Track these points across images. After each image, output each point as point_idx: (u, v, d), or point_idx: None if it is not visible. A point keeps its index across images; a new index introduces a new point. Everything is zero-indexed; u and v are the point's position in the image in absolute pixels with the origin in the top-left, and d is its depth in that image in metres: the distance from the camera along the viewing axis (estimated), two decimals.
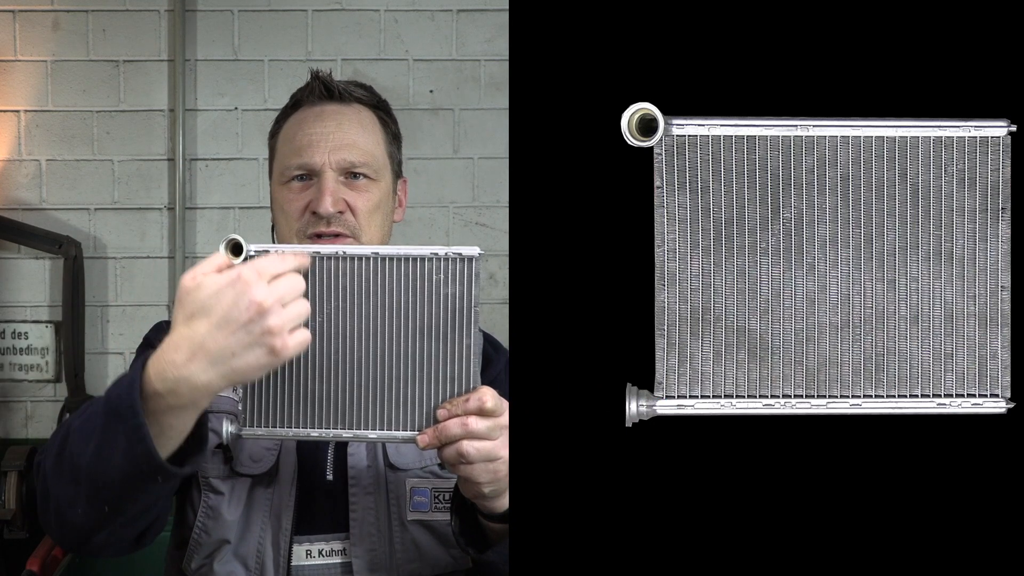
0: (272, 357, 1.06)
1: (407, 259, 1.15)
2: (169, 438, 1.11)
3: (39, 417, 3.06)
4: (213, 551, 1.36)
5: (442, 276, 1.15)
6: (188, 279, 1.08)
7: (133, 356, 1.48)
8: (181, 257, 3.04)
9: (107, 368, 3.06)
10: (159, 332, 1.43)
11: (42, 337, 3.05)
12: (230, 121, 3.05)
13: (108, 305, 3.08)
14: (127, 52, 3.05)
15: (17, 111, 3.04)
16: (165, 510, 1.26)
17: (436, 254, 1.15)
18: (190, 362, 1.05)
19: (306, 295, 1.11)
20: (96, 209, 3.06)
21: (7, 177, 3.03)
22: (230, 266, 1.10)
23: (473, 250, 1.15)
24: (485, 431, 1.15)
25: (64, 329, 2.98)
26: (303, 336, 1.08)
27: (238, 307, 1.04)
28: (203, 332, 1.05)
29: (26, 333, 3.05)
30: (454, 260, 1.15)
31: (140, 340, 1.51)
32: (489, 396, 1.15)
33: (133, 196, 3.06)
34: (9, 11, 3.02)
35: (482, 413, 1.15)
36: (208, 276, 1.07)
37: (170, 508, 1.31)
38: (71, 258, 2.96)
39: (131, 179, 3.06)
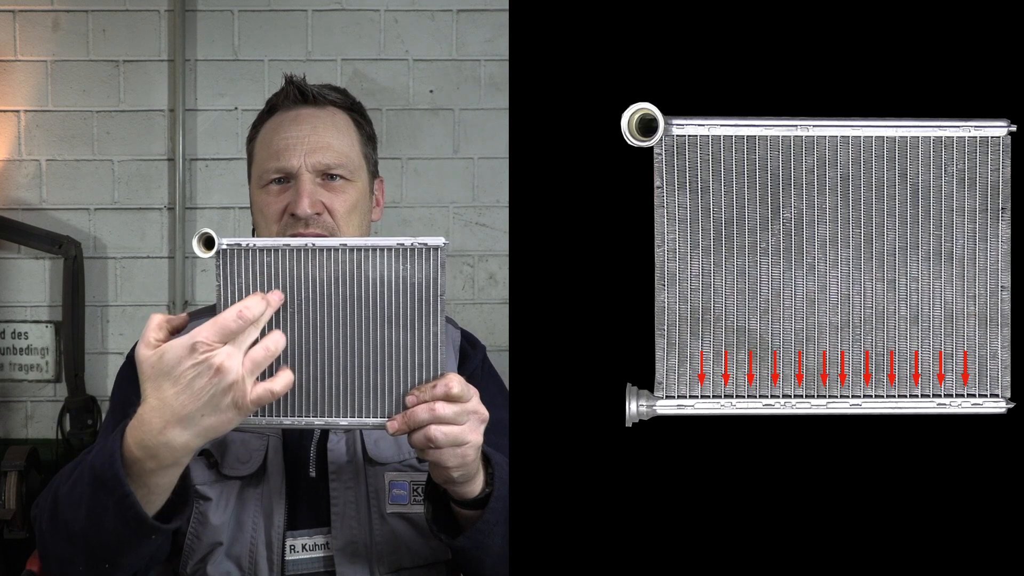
0: (237, 412, 1.11)
1: (374, 249, 1.17)
2: (157, 495, 1.18)
3: (39, 417, 3.06)
4: (206, 555, 1.38)
5: (409, 266, 1.17)
6: (145, 349, 1.13)
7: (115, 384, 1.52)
8: (181, 257, 3.04)
9: (107, 368, 3.06)
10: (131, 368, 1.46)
11: (42, 337, 3.05)
12: (230, 121, 3.06)
13: (108, 305, 3.08)
14: (127, 52, 3.05)
15: (17, 111, 3.04)
16: (162, 552, 1.33)
17: (402, 244, 1.17)
18: (165, 428, 1.11)
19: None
20: (96, 209, 3.06)
21: (7, 177, 3.03)
22: (172, 331, 1.16)
23: (439, 240, 1.18)
24: (452, 416, 1.16)
25: (64, 329, 2.98)
26: (263, 389, 1.13)
27: (199, 372, 1.09)
28: (171, 398, 1.10)
29: (26, 333, 3.05)
30: (420, 250, 1.17)
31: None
32: (456, 382, 1.17)
33: (133, 196, 3.07)
34: (9, 11, 3.02)
35: (449, 399, 1.16)
36: (168, 344, 1.12)
37: (167, 549, 1.36)
38: (71, 258, 2.96)
39: (131, 179, 3.06)
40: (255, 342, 1.13)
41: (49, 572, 1.26)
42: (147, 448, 1.12)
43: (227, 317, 1.11)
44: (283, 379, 1.15)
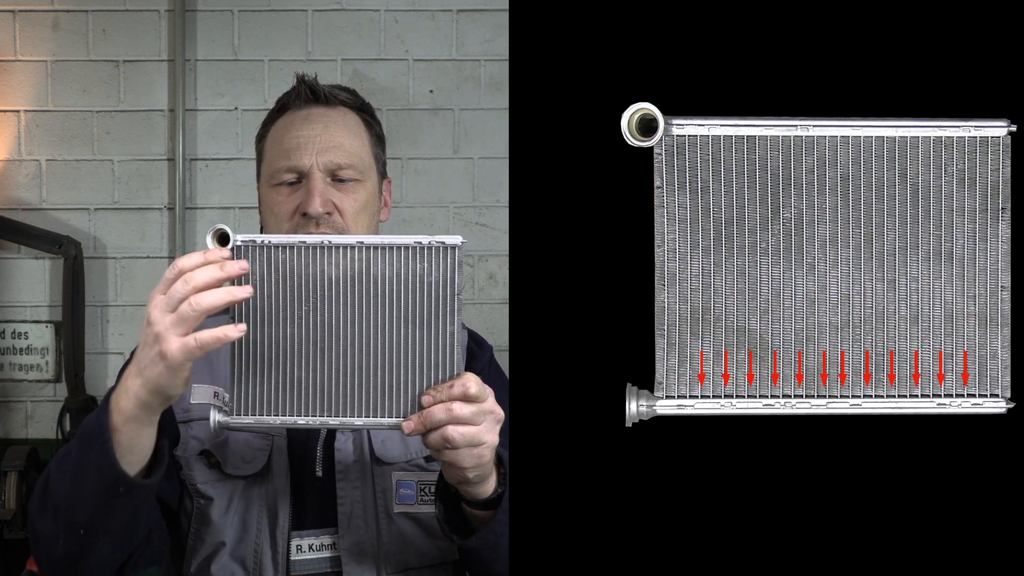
0: (164, 364, 1.12)
1: (391, 248, 1.17)
2: (132, 456, 1.19)
3: (39, 417, 3.06)
4: (209, 555, 1.38)
5: (425, 264, 1.17)
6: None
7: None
8: None
9: (107, 368, 3.06)
10: None
11: (42, 337, 3.05)
12: (230, 121, 3.06)
13: (108, 305, 3.08)
14: (127, 52, 3.05)
15: (17, 111, 3.04)
16: (156, 547, 1.33)
17: (419, 243, 1.17)
18: (129, 375, 1.16)
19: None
20: (96, 209, 3.06)
21: (7, 177, 3.03)
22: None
23: (456, 239, 1.17)
24: (469, 416, 1.16)
25: (64, 329, 2.98)
26: (188, 338, 1.11)
27: (145, 322, 1.14)
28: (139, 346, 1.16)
29: (26, 333, 3.05)
30: (437, 248, 1.17)
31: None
32: (473, 382, 1.17)
33: (133, 196, 3.07)
34: (9, 11, 3.02)
35: (466, 399, 1.16)
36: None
37: (162, 546, 1.36)
38: (71, 258, 2.96)
39: (131, 179, 3.06)
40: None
41: (35, 556, 1.27)
42: (116, 398, 1.16)
43: (180, 260, 1.14)
44: (208, 334, 1.12)
